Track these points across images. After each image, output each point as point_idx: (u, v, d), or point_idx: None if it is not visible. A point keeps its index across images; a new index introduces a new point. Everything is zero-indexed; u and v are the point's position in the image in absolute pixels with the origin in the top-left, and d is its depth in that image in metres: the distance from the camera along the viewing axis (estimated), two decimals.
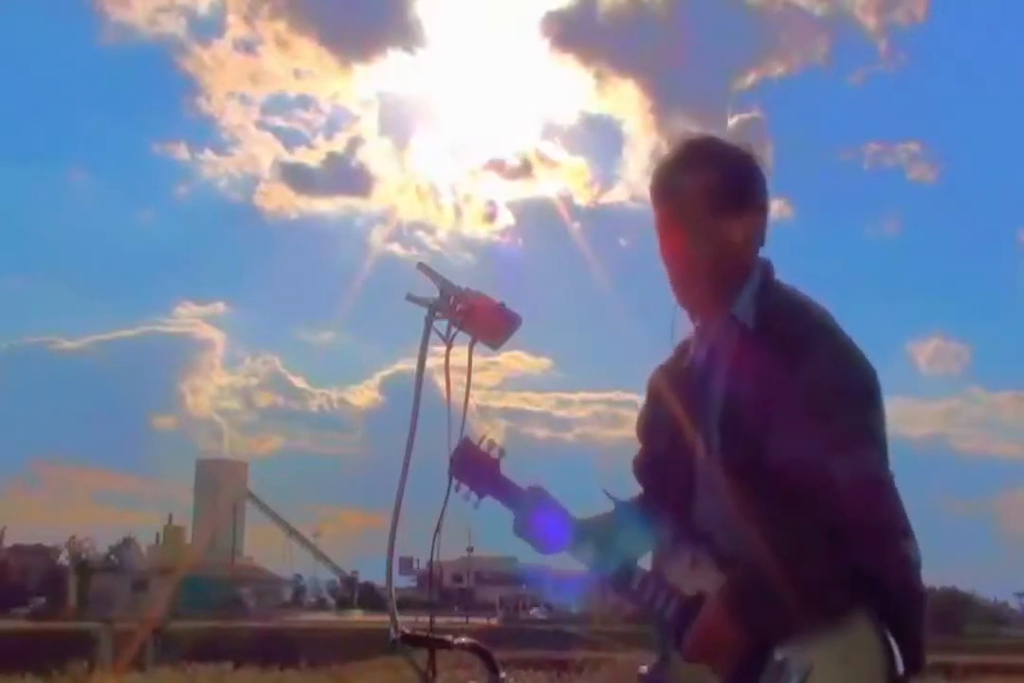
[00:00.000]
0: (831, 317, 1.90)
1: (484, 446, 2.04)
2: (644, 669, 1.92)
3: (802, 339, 1.83)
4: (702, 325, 2.00)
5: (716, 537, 1.87)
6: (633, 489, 2.09)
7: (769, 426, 1.80)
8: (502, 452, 2.04)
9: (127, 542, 65.05)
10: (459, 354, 1.95)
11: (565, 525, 2.01)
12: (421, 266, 1.99)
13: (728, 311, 1.92)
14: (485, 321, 1.97)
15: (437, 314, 1.95)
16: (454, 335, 1.96)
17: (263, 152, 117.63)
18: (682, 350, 2.05)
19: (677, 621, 1.84)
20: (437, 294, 1.96)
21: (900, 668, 1.70)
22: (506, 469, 2.05)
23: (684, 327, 2.05)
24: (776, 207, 2.06)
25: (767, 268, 1.96)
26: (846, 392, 1.81)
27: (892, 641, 1.71)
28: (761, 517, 1.78)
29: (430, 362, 1.95)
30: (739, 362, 1.88)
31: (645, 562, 1.99)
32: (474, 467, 2.03)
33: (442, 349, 1.95)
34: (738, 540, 1.82)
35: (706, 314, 1.98)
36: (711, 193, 1.92)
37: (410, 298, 1.97)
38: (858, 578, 1.72)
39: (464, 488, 2.04)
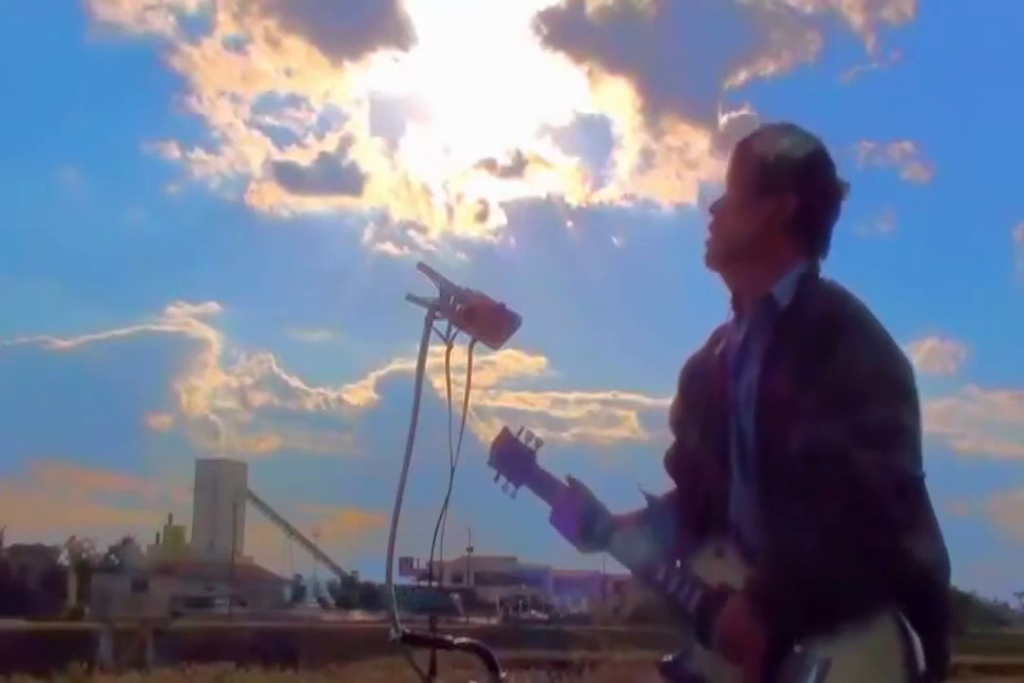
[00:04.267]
0: (869, 310, 1.88)
1: (523, 437, 2.09)
2: (668, 658, 1.92)
3: (838, 324, 1.82)
4: (740, 310, 2.00)
5: (743, 528, 1.88)
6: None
7: (798, 411, 1.78)
8: (539, 443, 2.10)
9: (127, 542, 64.90)
10: (457, 354, 1.96)
11: (598, 518, 2.03)
12: (421, 266, 2.00)
13: (767, 291, 1.93)
14: (486, 321, 1.97)
15: (437, 314, 1.95)
16: (454, 335, 1.96)
17: (254, 151, 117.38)
18: (716, 338, 2.06)
19: (699, 613, 1.85)
20: (437, 294, 1.96)
21: (922, 666, 1.68)
22: (543, 461, 2.10)
23: (711, 316, 2.08)
24: None
25: (814, 262, 1.96)
26: (880, 383, 1.77)
27: (916, 639, 1.69)
28: (788, 508, 1.76)
29: (428, 362, 1.95)
30: (774, 344, 1.88)
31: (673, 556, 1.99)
32: (512, 458, 2.10)
33: (439, 349, 1.95)
34: (765, 531, 1.81)
35: (746, 295, 1.98)
36: (757, 166, 1.95)
37: (410, 298, 1.97)
38: (882, 577, 1.71)
39: (502, 479, 2.10)
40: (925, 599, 1.76)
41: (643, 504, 2.07)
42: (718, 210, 2.00)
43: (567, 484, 2.07)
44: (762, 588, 1.76)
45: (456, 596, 48.96)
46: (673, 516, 2.01)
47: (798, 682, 1.71)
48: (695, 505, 1.96)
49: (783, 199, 1.93)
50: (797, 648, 1.72)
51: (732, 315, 2.02)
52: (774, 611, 1.74)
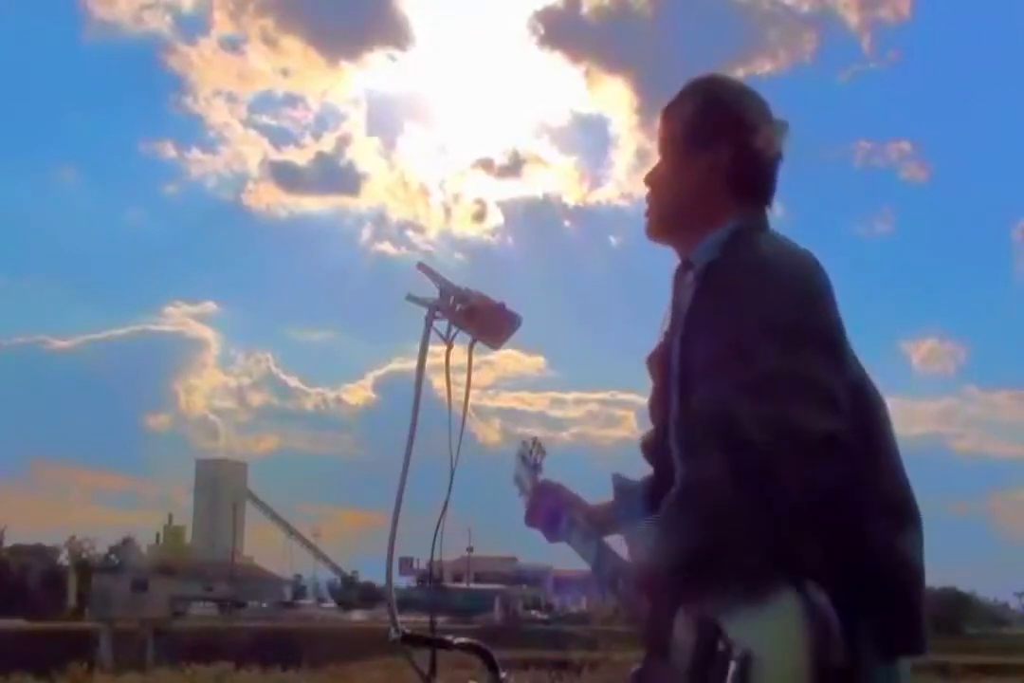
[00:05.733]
0: (791, 254, 1.70)
1: (531, 450, 2.14)
2: (635, 668, 1.89)
3: (737, 278, 1.67)
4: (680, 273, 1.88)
5: None
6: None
7: (695, 375, 1.66)
8: (543, 453, 2.14)
9: (127, 542, 64.93)
10: (456, 354, 1.96)
11: (562, 513, 2.03)
12: (421, 266, 2.00)
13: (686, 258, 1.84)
14: (486, 321, 1.97)
15: (437, 314, 1.95)
16: (454, 335, 1.96)
17: (251, 151, 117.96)
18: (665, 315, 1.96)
19: (649, 615, 1.73)
20: (437, 294, 1.97)
21: (835, 648, 1.48)
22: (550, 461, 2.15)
23: None
24: None
25: (752, 221, 1.80)
26: (773, 332, 1.58)
27: (829, 617, 1.48)
28: (678, 470, 1.65)
29: (428, 362, 1.95)
30: (689, 311, 1.75)
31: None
32: (520, 472, 2.16)
33: (438, 349, 1.96)
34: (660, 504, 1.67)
35: (680, 253, 1.87)
36: (684, 124, 1.86)
37: (410, 298, 1.98)
38: (789, 543, 1.53)
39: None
40: (884, 580, 1.61)
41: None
42: (653, 179, 1.90)
43: (540, 485, 2.10)
44: (643, 549, 1.72)
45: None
46: (642, 501, 1.90)
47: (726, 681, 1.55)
48: (661, 486, 1.80)
49: (717, 151, 1.82)
50: (720, 646, 1.54)
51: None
52: (657, 576, 1.64)
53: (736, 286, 1.66)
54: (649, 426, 1.96)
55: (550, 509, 2.07)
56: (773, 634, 1.50)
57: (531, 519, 2.11)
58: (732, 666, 1.49)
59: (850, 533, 1.60)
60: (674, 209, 1.86)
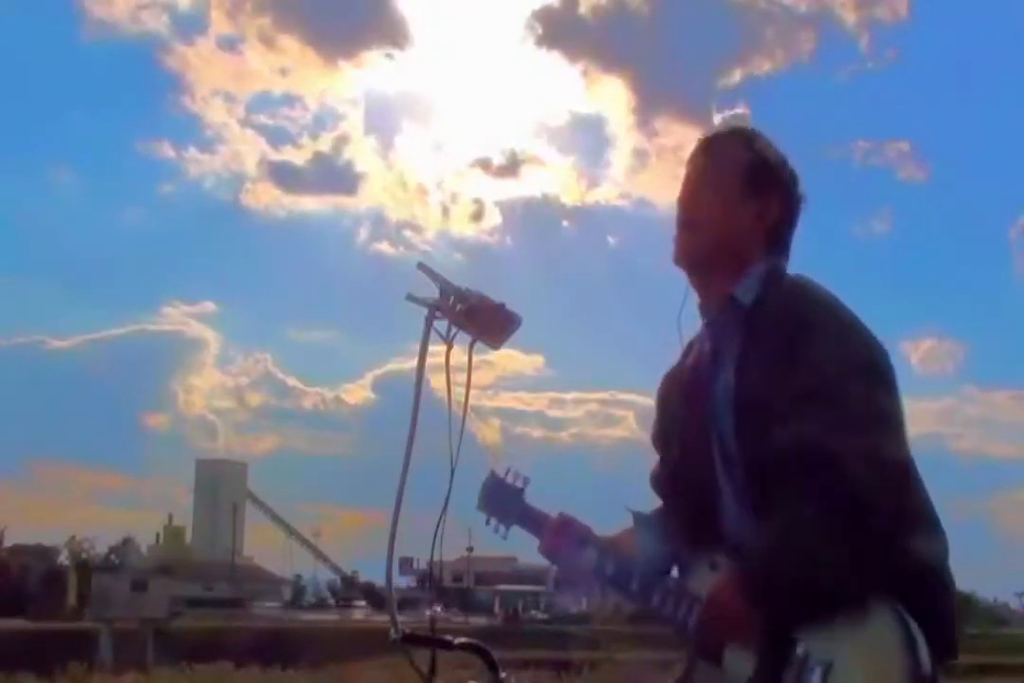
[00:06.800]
0: (837, 298, 1.86)
1: (509, 477, 2.09)
2: (676, 679, 1.89)
3: (803, 317, 1.80)
4: (709, 316, 1.98)
5: (737, 538, 1.84)
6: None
7: (776, 410, 1.75)
8: (526, 481, 2.09)
9: (127, 542, 64.88)
10: (455, 354, 1.95)
11: (586, 547, 2.01)
12: (421, 266, 1.99)
13: (729, 292, 1.92)
14: (486, 321, 1.97)
15: (437, 314, 1.95)
16: (454, 335, 1.96)
17: (249, 150, 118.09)
18: (687, 351, 2.04)
19: (699, 630, 1.81)
20: (436, 294, 1.97)
21: (926, 664, 1.64)
22: (530, 497, 2.10)
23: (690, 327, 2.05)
24: None
25: (779, 261, 1.97)
26: (853, 371, 1.75)
27: (918, 635, 1.65)
28: (778, 507, 1.73)
29: (427, 361, 1.95)
30: (745, 346, 1.86)
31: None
32: (500, 499, 2.10)
33: (437, 349, 1.95)
34: (759, 535, 1.78)
35: (712, 297, 1.96)
36: (741, 170, 1.95)
37: (410, 298, 1.97)
38: (878, 570, 1.68)
39: (492, 521, 2.11)
40: (927, 591, 1.74)
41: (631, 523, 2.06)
42: (696, 212, 1.97)
43: (556, 518, 2.06)
44: (749, 570, 1.74)
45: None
46: (662, 533, 1.99)
47: None
48: (684, 520, 1.94)
49: (768, 202, 1.94)
50: (800, 651, 1.69)
51: (702, 323, 2.00)
52: (760, 590, 1.71)
53: (809, 326, 1.79)
54: (652, 458, 2.02)
55: (575, 542, 2.03)
56: (873, 649, 1.66)
57: (554, 552, 2.05)
58: (816, 671, 1.65)
59: (903, 549, 1.73)
60: (716, 249, 1.94)
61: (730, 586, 1.75)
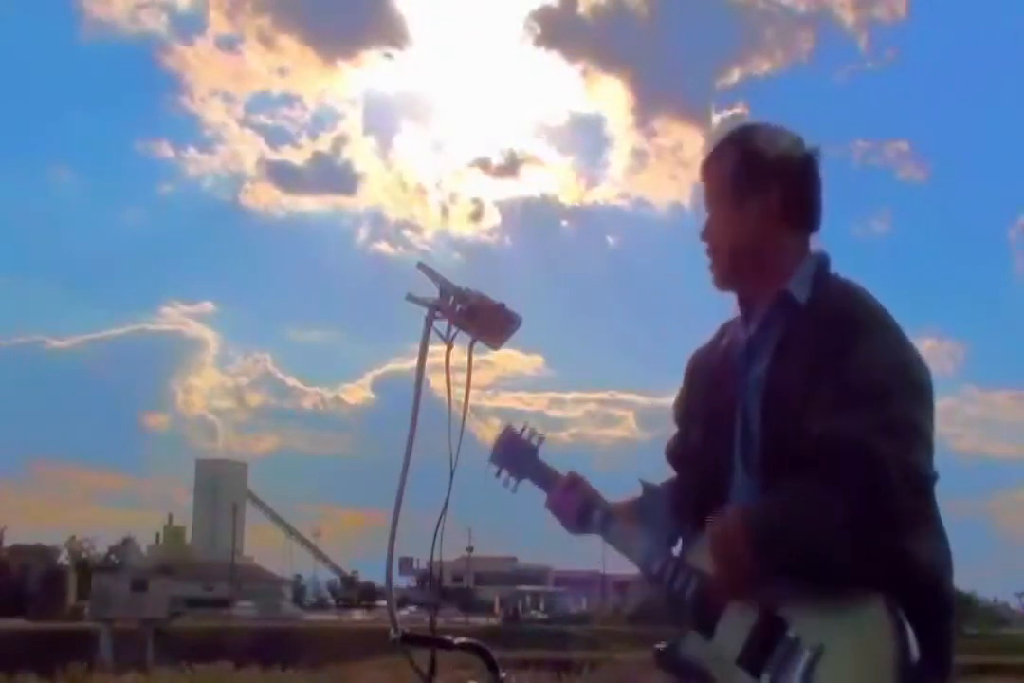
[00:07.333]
0: (886, 309, 1.88)
1: (526, 434, 2.13)
2: (661, 645, 1.92)
3: (860, 323, 1.83)
4: (750, 305, 2.00)
5: None
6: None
7: (815, 404, 1.77)
8: (542, 438, 2.13)
9: (127, 542, 64.91)
10: (455, 354, 1.96)
11: (596, 505, 2.05)
12: (421, 266, 2.00)
13: (781, 288, 1.93)
14: (486, 321, 1.97)
15: (437, 314, 1.95)
16: (455, 335, 1.96)
17: (248, 150, 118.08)
18: (722, 333, 2.07)
19: (696, 600, 1.85)
20: (436, 294, 1.97)
21: (915, 658, 1.65)
22: (544, 456, 2.13)
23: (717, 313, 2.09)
24: None
25: (824, 256, 1.98)
26: (901, 382, 1.78)
27: (910, 633, 1.67)
28: (794, 481, 1.76)
29: (427, 361, 1.95)
30: (789, 339, 1.88)
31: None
32: (514, 453, 2.13)
33: (436, 349, 1.96)
34: (776, 491, 1.80)
35: (753, 292, 1.99)
36: (728, 177, 1.97)
37: (410, 298, 1.98)
38: (876, 554, 1.70)
39: (504, 473, 2.14)
40: (927, 597, 1.76)
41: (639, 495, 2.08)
42: (708, 233, 2.01)
43: (567, 476, 2.10)
44: (762, 518, 1.76)
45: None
46: (669, 506, 2.02)
47: (790, 666, 1.71)
48: (695, 495, 1.96)
49: (765, 196, 1.95)
50: (790, 633, 1.72)
51: (739, 312, 2.02)
52: (764, 543, 1.73)
53: (864, 330, 1.81)
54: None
55: (584, 500, 2.07)
56: (863, 636, 1.68)
57: (562, 507, 2.09)
58: (806, 654, 1.69)
59: (904, 549, 1.76)
60: (735, 255, 1.97)
61: (740, 522, 1.76)
